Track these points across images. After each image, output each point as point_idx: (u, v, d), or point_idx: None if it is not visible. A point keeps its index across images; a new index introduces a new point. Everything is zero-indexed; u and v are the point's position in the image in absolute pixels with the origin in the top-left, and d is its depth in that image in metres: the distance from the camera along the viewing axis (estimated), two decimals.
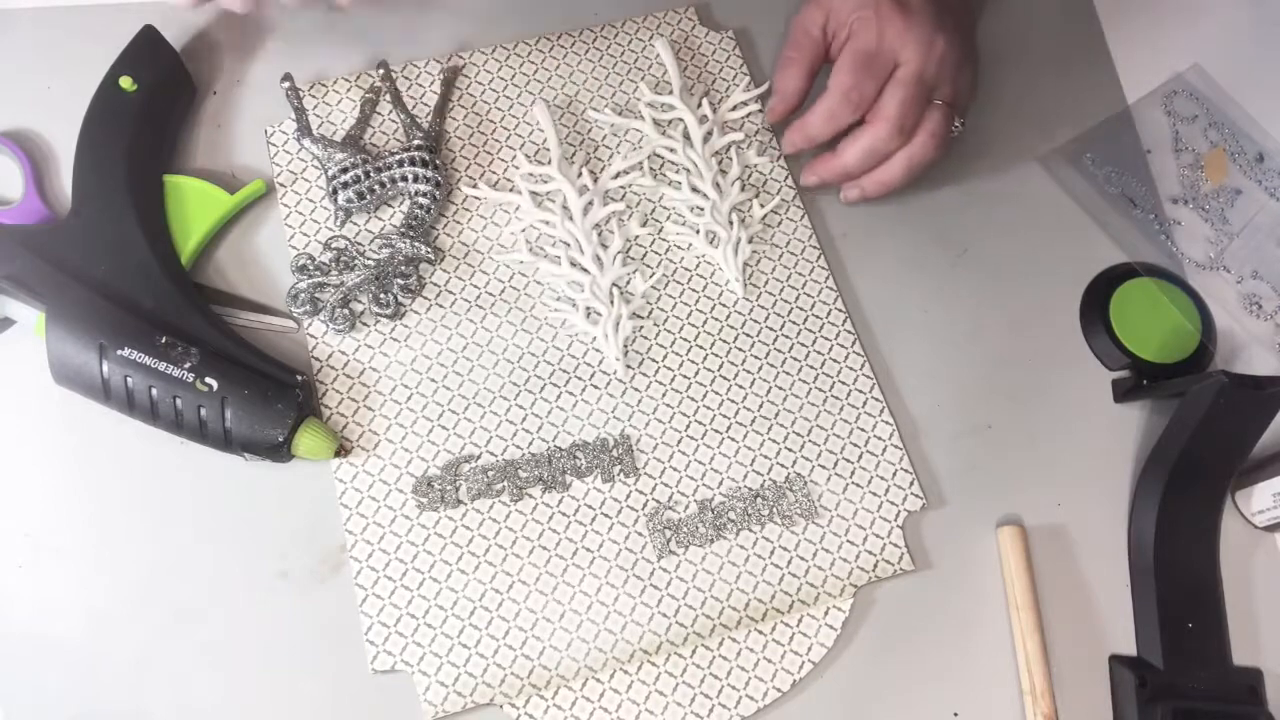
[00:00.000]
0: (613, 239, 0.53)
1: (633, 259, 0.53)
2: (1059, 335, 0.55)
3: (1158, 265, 0.56)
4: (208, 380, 0.45)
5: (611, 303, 0.52)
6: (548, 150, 0.55)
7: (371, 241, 0.51)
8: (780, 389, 0.51)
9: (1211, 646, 0.48)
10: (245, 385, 0.45)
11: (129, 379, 0.44)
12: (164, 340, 0.45)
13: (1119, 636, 0.49)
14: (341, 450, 0.47)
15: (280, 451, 0.46)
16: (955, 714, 0.47)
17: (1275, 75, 0.63)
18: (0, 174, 0.52)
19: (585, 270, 0.52)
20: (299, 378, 0.47)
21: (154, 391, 0.44)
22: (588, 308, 0.52)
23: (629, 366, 0.51)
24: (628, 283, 0.53)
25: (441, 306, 0.51)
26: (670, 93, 0.57)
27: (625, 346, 0.51)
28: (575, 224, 0.53)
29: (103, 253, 0.47)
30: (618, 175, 0.55)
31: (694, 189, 0.55)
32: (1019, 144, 0.59)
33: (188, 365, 0.45)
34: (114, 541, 0.46)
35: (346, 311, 0.50)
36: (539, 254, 0.53)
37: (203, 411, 0.45)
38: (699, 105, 0.57)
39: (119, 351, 0.44)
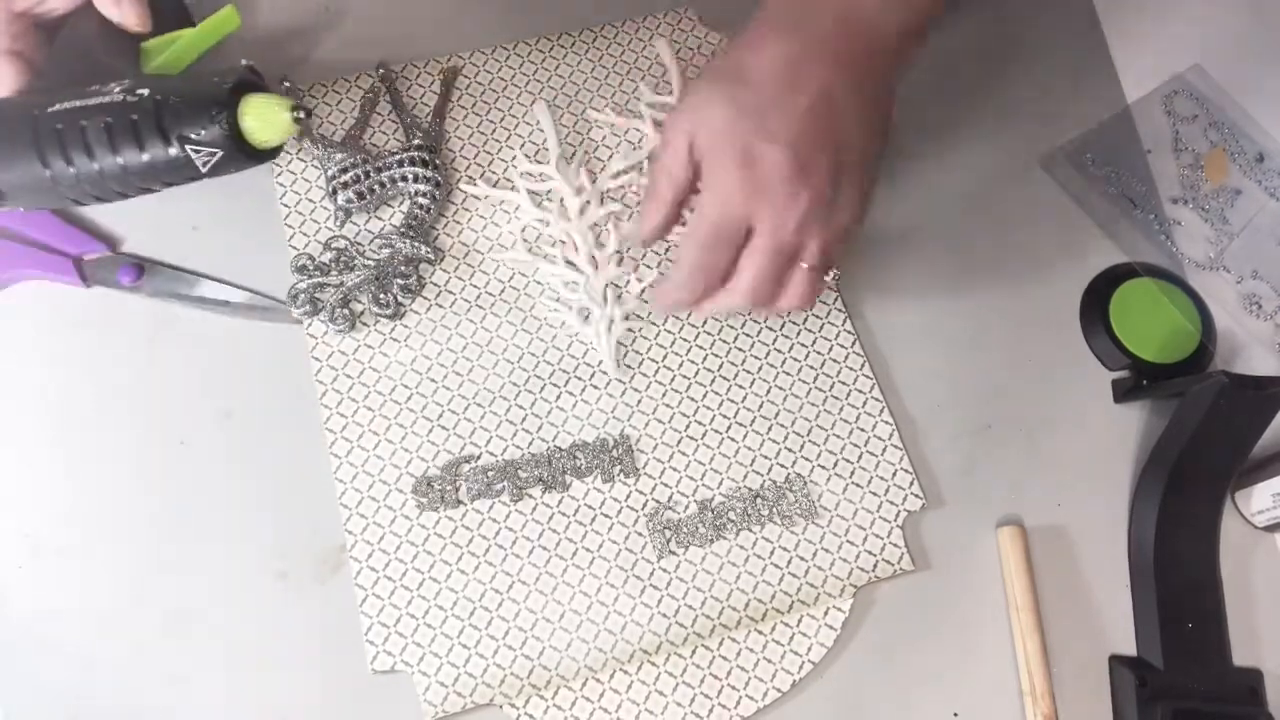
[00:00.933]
0: (609, 239, 0.53)
1: (632, 259, 0.53)
2: (1059, 335, 0.55)
3: (1158, 265, 0.56)
4: (139, 91, 0.42)
5: (605, 303, 0.52)
6: (547, 150, 0.55)
7: (371, 241, 0.51)
8: (780, 389, 0.51)
9: (1211, 647, 0.48)
10: (181, 82, 0.43)
11: (59, 126, 0.42)
12: (95, 86, 0.43)
13: (1119, 636, 0.49)
14: (301, 115, 0.42)
15: (228, 141, 0.41)
16: (955, 714, 0.47)
17: (1275, 75, 0.63)
18: None
19: (580, 270, 0.52)
20: (244, 62, 0.44)
21: (86, 131, 0.42)
22: (583, 307, 0.52)
23: (627, 366, 0.51)
24: (626, 283, 0.53)
25: (441, 306, 0.51)
26: (670, 93, 0.57)
27: (619, 347, 0.51)
28: (572, 223, 0.53)
29: (65, 81, 0.45)
30: (617, 175, 0.55)
31: None
32: (1019, 144, 0.59)
33: (118, 88, 0.42)
34: (114, 541, 0.46)
35: (346, 311, 0.50)
36: (537, 254, 0.53)
37: (135, 119, 0.41)
38: None
39: (49, 110, 0.42)
